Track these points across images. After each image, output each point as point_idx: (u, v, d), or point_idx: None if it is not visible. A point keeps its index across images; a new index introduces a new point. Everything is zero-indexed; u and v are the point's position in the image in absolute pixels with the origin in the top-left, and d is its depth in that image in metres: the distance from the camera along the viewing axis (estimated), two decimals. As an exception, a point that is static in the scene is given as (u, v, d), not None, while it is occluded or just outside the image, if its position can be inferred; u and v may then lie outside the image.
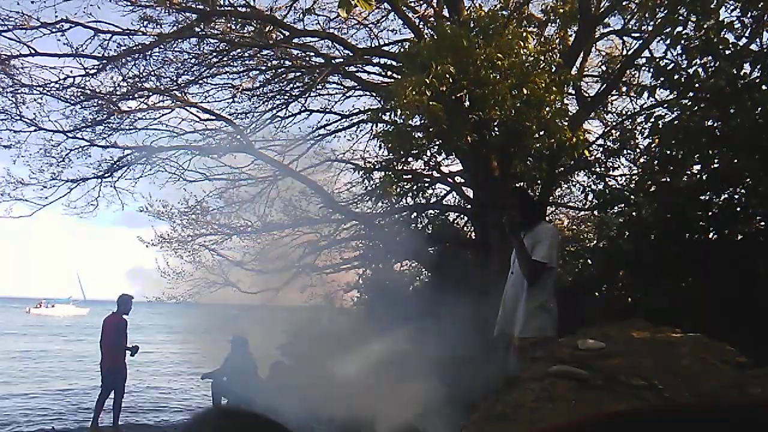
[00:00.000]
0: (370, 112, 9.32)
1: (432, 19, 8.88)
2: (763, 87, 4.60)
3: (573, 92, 8.86)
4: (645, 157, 6.70)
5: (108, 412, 8.01)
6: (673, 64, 5.04)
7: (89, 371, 13.58)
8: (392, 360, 5.97)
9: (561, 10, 8.30)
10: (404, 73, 6.93)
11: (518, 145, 7.16)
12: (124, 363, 8.01)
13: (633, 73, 9.31)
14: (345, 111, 10.42)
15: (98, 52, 8.08)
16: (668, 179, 5.28)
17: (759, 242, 4.60)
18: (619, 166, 9.01)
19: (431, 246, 9.56)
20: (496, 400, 2.94)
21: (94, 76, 8.26)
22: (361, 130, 10.25)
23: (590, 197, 7.72)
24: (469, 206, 9.41)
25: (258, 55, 8.99)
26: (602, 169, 8.71)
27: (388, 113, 8.04)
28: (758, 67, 4.64)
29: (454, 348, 5.31)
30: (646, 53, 7.94)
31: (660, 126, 5.24)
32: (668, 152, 5.25)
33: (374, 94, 9.72)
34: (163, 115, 9.25)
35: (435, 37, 7.24)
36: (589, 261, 7.29)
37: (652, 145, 5.72)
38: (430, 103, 6.36)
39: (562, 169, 7.87)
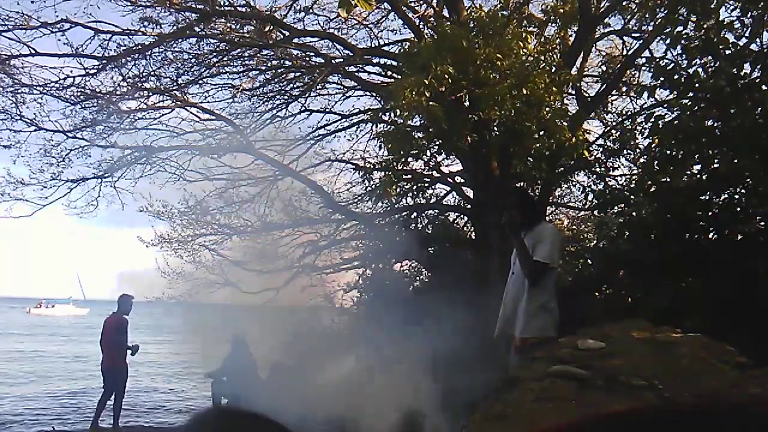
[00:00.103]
0: (370, 113, 9.33)
1: (432, 19, 8.88)
2: (763, 87, 4.60)
3: (573, 92, 8.87)
4: (645, 157, 6.69)
5: (109, 413, 8.00)
6: (673, 64, 5.03)
7: (89, 371, 13.58)
8: (392, 360, 5.98)
9: (561, 10, 8.28)
10: (404, 73, 6.94)
11: (518, 145, 7.16)
12: (126, 363, 8.01)
13: (633, 73, 9.32)
14: (345, 111, 10.45)
15: (98, 52, 8.10)
16: (668, 179, 5.27)
17: (759, 242, 4.59)
18: (619, 166, 9.03)
19: (431, 246, 9.56)
20: (496, 400, 2.94)
21: (94, 76, 8.28)
22: (361, 131, 10.27)
23: (590, 197, 7.71)
24: (469, 206, 9.41)
25: (258, 55, 8.99)
26: (602, 169, 8.70)
27: (388, 113, 8.05)
28: (758, 67, 4.63)
29: (454, 348, 5.32)
30: (646, 53, 7.96)
31: (660, 126, 5.23)
32: (668, 152, 5.24)
33: (374, 95, 9.72)
34: (163, 115, 9.29)
35: (435, 38, 7.24)
36: (589, 261, 7.30)
37: (652, 145, 5.71)
38: (430, 103, 6.37)
39: (562, 169, 7.86)
